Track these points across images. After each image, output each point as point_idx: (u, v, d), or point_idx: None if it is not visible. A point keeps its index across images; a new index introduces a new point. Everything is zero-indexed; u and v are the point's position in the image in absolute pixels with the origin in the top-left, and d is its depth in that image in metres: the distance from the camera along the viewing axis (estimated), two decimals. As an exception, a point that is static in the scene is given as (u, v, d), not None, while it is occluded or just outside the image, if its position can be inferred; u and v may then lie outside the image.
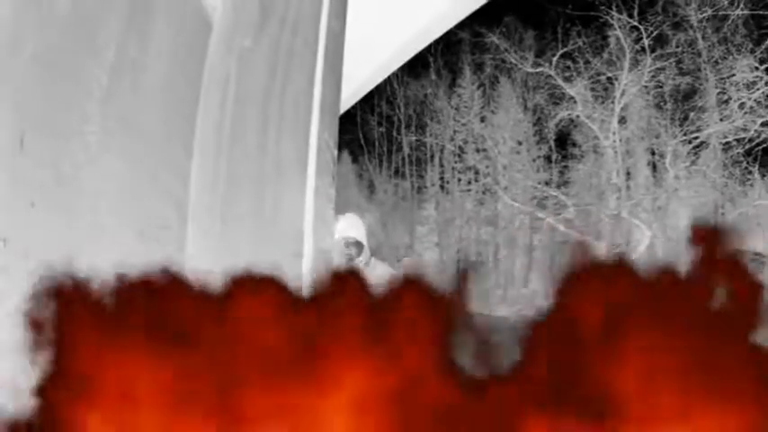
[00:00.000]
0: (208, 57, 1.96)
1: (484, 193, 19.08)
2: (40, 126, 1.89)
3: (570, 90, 17.36)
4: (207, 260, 1.70)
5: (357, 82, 7.41)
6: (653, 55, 16.95)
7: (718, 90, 16.65)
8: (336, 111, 2.10)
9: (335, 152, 2.00)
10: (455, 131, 19.35)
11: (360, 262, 3.93)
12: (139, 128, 1.81)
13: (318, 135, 2.00)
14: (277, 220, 1.81)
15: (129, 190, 1.73)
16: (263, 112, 1.95)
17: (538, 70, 17.85)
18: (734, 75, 16.54)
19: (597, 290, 0.87)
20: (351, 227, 4.00)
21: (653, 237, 16.17)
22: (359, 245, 3.97)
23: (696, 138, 16.88)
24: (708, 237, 0.88)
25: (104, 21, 1.99)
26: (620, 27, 17.06)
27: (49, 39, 1.96)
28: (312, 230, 1.84)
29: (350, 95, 7.98)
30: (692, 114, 16.90)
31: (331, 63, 2.08)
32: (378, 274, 3.72)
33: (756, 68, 16.40)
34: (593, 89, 17.40)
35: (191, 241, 1.69)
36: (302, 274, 1.68)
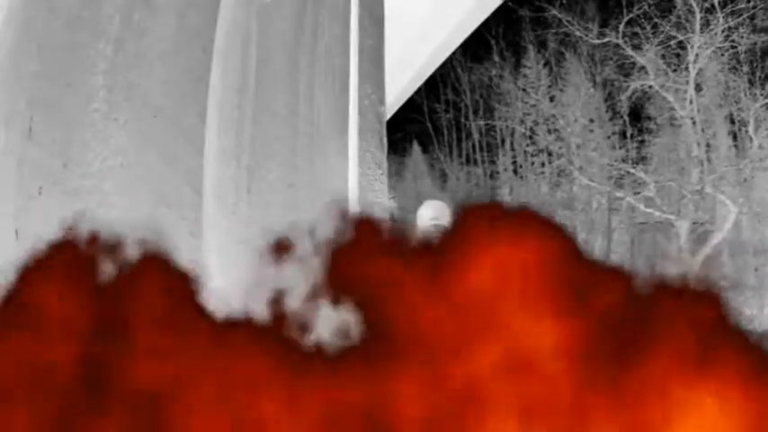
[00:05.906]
0: (220, 15, 1.70)
1: (558, 175, 18.58)
2: (48, 111, 1.68)
3: (640, 59, 16.65)
4: (232, 238, 1.45)
5: (418, 63, 7.15)
6: (723, 12, 16.12)
7: (797, 45, 15.79)
8: (380, 60, 1.79)
9: (382, 109, 1.68)
10: (524, 113, 18.90)
11: None
12: (147, 97, 1.58)
13: (360, 89, 1.70)
14: (314, 190, 1.51)
15: (138, 165, 1.51)
16: (292, 69, 1.67)
17: (604, 41, 17.21)
18: (811, 26, 15.68)
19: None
20: (440, 214, 3.81)
21: (739, 212, 15.31)
22: None
23: (780, 100, 16.04)
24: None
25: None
26: (686, -16, 16.32)
27: (56, 22, 1.74)
28: (358, 199, 1.54)
29: (413, 78, 7.77)
30: (772, 74, 16.08)
31: (368, 4, 1.76)
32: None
33: (833, 16, 15.51)
34: (663, 56, 16.66)
35: (211, 219, 1.42)
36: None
